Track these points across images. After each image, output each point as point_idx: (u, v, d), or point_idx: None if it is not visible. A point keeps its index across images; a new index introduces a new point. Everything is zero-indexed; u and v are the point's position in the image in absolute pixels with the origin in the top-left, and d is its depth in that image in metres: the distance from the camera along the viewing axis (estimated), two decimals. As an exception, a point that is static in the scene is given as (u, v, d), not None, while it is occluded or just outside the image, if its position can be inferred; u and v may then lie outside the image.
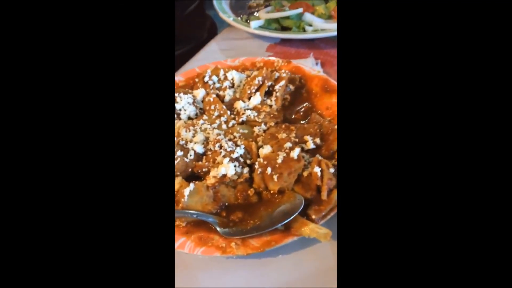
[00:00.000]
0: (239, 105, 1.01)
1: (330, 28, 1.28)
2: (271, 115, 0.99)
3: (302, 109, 1.04)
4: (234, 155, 0.85)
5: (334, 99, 1.00)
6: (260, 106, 1.02)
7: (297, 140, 0.89)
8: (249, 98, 1.03)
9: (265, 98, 1.05)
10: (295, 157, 0.81)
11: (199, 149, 0.89)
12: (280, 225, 0.73)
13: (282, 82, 1.04)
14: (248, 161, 0.87)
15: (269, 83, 1.05)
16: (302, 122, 1.00)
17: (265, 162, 0.82)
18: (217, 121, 0.98)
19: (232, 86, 1.10)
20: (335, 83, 1.03)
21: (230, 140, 0.90)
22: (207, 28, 1.92)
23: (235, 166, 0.84)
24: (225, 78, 1.09)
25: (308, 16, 1.32)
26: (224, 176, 0.82)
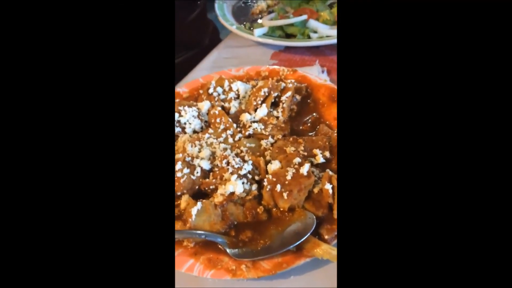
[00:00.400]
0: (245, 117, 0.99)
1: (335, 35, 1.26)
2: (278, 127, 0.96)
3: (310, 120, 1.02)
4: (242, 172, 0.82)
5: (342, 110, 0.98)
6: (266, 118, 0.99)
7: (305, 153, 0.87)
8: (255, 110, 1.01)
9: (271, 110, 1.02)
10: (305, 174, 0.79)
11: (206, 165, 0.86)
12: (292, 246, 0.71)
13: (289, 93, 1.01)
14: (257, 177, 0.84)
15: (275, 94, 1.03)
16: (310, 133, 0.98)
17: (274, 179, 0.80)
18: (223, 135, 0.95)
19: (238, 97, 1.07)
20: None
21: (237, 155, 0.88)
22: (209, 33, 1.90)
23: (243, 183, 0.81)
24: (230, 89, 1.07)
25: (312, 23, 1.30)
26: (232, 193, 0.80)
